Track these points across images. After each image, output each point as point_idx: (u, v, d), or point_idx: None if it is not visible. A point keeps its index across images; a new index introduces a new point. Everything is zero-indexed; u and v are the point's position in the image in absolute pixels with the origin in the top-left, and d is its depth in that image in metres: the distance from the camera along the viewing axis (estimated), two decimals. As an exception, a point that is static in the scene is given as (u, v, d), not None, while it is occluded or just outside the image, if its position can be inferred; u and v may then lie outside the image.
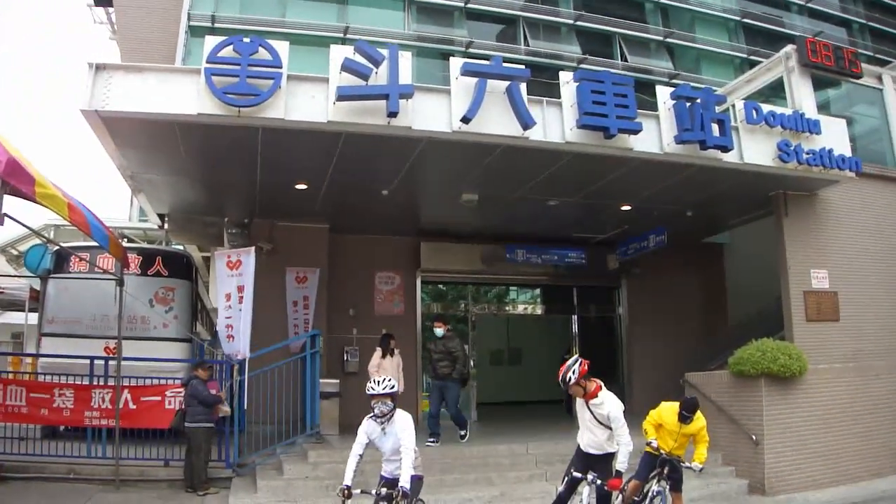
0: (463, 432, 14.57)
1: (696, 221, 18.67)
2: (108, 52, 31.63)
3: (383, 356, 15.32)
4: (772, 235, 16.88)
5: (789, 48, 17.80)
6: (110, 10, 29.48)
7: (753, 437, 13.55)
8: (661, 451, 10.44)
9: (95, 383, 13.14)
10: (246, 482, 12.40)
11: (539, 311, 23.52)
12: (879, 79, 19.23)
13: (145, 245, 22.79)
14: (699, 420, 10.52)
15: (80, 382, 13.05)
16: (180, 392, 12.84)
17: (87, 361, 13.34)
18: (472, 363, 15.84)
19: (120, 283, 12.99)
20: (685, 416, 10.33)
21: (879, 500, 13.07)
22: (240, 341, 13.35)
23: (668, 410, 10.66)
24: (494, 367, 26.98)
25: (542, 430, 16.12)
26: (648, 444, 10.56)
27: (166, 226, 18.45)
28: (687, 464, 10.24)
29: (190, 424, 12.20)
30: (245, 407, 13.15)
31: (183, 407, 12.55)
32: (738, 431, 13.99)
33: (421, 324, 20.10)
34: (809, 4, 35.13)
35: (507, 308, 23.19)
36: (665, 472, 10.40)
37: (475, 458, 13.27)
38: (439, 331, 14.60)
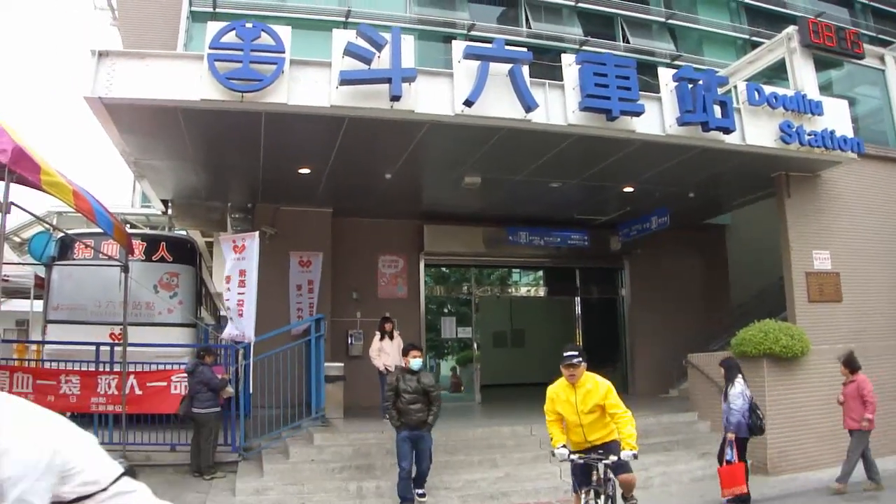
0: (421, 491, 11.22)
1: (699, 203, 18.69)
2: (110, 38, 31.54)
3: (382, 339, 15.41)
4: (774, 216, 16.89)
5: (791, 29, 17.76)
6: (112, -4, 29.45)
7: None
8: (575, 455, 8.53)
9: (101, 370, 13.19)
10: (252, 466, 12.47)
11: (542, 293, 23.63)
12: (882, 59, 19.20)
13: (149, 231, 22.81)
14: (598, 385, 8.41)
15: (85, 369, 13.10)
16: (186, 377, 12.89)
17: (93, 348, 13.40)
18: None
19: (124, 269, 13.02)
20: (570, 364, 8.33)
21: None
22: (245, 325, 13.40)
23: (556, 386, 8.75)
24: (497, 349, 27.14)
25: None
26: (553, 453, 8.72)
27: (170, 211, 18.50)
28: (615, 457, 8.24)
29: (199, 410, 12.26)
30: (250, 391, 13.20)
31: (188, 393, 12.58)
32: (741, 412, 14.04)
33: (424, 307, 20.18)
34: (812, -15, 34.88)
35: (509, 290, 23.28)
36: (601, 477, 8.46)
37: (479, 439, 13.33)
38: (416, 362, 11.14)
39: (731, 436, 11.17)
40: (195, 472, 12.36)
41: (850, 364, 12.57)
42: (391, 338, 15.41)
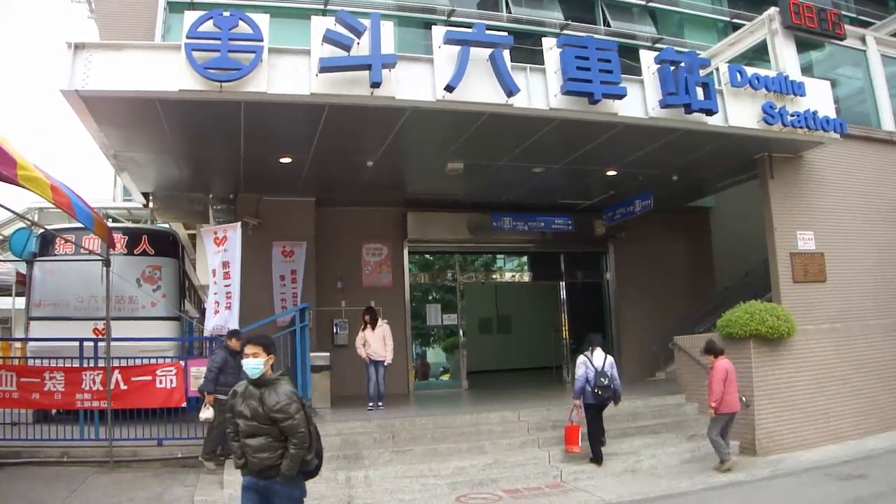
0: None
1: (682, 185, 18.71)
2: (87, 30, 31.33)
3: (364, 329, 15.38)
4: (757, 198, 16.90)
5: (772, 10, 17.76)
6: (88, -13, 29.20)
7: (743, 399, 13.59)
8: None
9: (85, 365, 13.08)
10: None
11: (527, 279, 23.56)
12: (863, 40, 19.23)
13: (130, 224, 22.69)
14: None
15: (70, 365, 12.99)
16: (171, 371, 12.81)
17: (77, 344, 13.27)
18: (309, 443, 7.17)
19: (106, 263, 12.92)
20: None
21: (868, 458, 13.17)
22: (228, 317, 13.31)
23: None
24: (483, 336, 27.09)
25: (533, 398, 16.20)
26: None
27: (151, 204, 18.35)
28: None
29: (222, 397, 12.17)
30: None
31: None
32: (729, 393, 14.07)
33: (409, 294, 20.16)
34: (792, -34, 34.82)
35: (494, 276, 23.24)
36: None
37: (467, 426, 13.30)
38: (252, 365, 6.60)
39: (576, 402, 12.70)
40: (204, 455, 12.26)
41: (710, 350, 12.84)
42: (373, 328, 15.36)
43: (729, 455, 12.44)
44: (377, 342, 15.25)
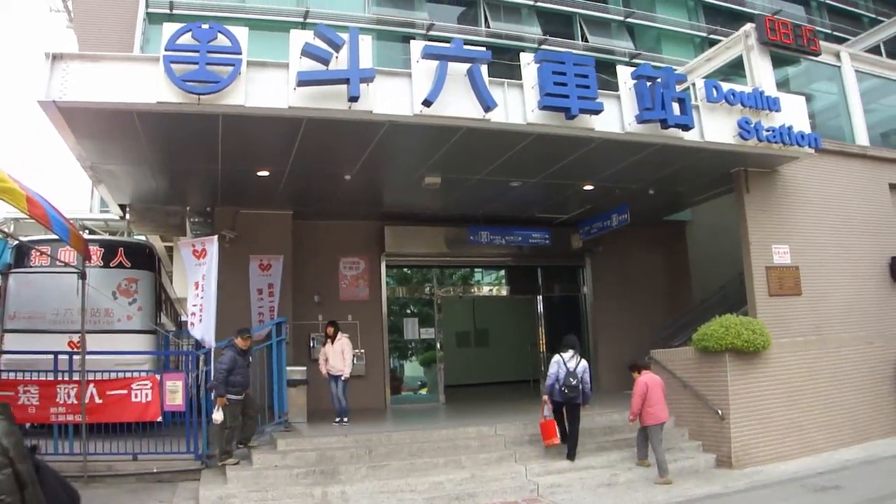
0: None
1: (659, 199, 18.83)
2: (66, 40, 31.21)
3: (325, 343, 15.40)
4: (733, 212, 17.02)
5: (748, 26, 17.94)
6: (68, -3, 29.17)
7: (719, 412, 13.69)
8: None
9: (60, 379, 12.99)
10: (215, 473, 12.33)
11: (504, 293, 23.61)
12: (837, 56, 19.46)
13: (107, 237, 22.57)
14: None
15: (44, 378, 12.89)
16: (146, 385, 12.74)
17: (52, 357, 13.19)
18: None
19: (82, 275, 12.85)
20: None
21: (843, 469, 13.24)
22: (205, 331, 13.27)
23: None
24: (461, 349, 27.07)
25: (510, 412, 16.18)
26: None
27: (128, 216, 18.25)
28: None
29: (234, 397, 12.46)
30: (212, 397, 13.07)
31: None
32: (704, 406, 14.13)
33: (387, 308, 20.11)
34: (768, -17, 35.36)
35: (472, 290, 23.28)
36: None
37: (444, 441, 13.27)
38: None
39: (545, 398, 13.33)
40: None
41: (633, 367, 13.57)
42: (332, 342, 15.35)
43: (667, 469, 12.58)
44: (336, 356, 15.17)
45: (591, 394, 13.66)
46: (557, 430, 13.09)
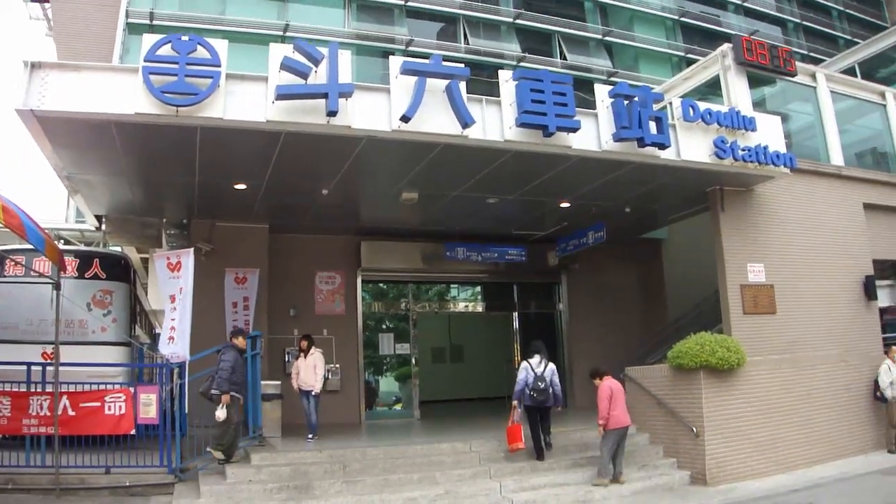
0: None
1: (635, 217, 18.93)
2: (45, 48, 31.09)
3: (297, 357, 15.35)
4: (709, 230, 17.13)
5: (725, 47, 18.11)
6: (47, 5, 29.04)
7: (694, 429, 13.72)
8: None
9: (33, 390, 12.87)
10: (189, 487, 12.24)
11: (480, 309, 23.63)
12: (813, 77, 19.69)
13: (82, 247, 22.43)
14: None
15: (17, 389, 12.75)
16: (120, 397, 12.64)
17: (24, 368, 13.06)
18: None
19: (56, 286, 12.75)
20: None
21: (817, 486, 13.29)
22: (179, 344, 13.19)
23: None
24: (436, 365, 27.04)
25: (486, 428, 16.12)
26: None
27: (104, 227, 18.14)
28: None
29: (217, 392, 12.60)
30: (186, 411, 12.98)
31: (212, 375, 12.89)
32: (679, 424, 14.15)
33: (362, 323, 20.04)
34: (746, 4, 35.92)
35: (448, 306, 23.27)
36: None
37: (419, 456, 13.22)
38: None
39: (514, 403, 13.70)
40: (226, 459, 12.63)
41: (594, 374, 13.79)
42: (305, 356, 15.27)
43: (610, 472, 12.85)
44: (307, 371, 15.06)
45: (561, 396, 14.17)
46: (523, 434, 13.42)
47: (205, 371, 13.39)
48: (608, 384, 13.21)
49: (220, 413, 12.47)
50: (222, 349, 13.19)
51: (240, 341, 13.30)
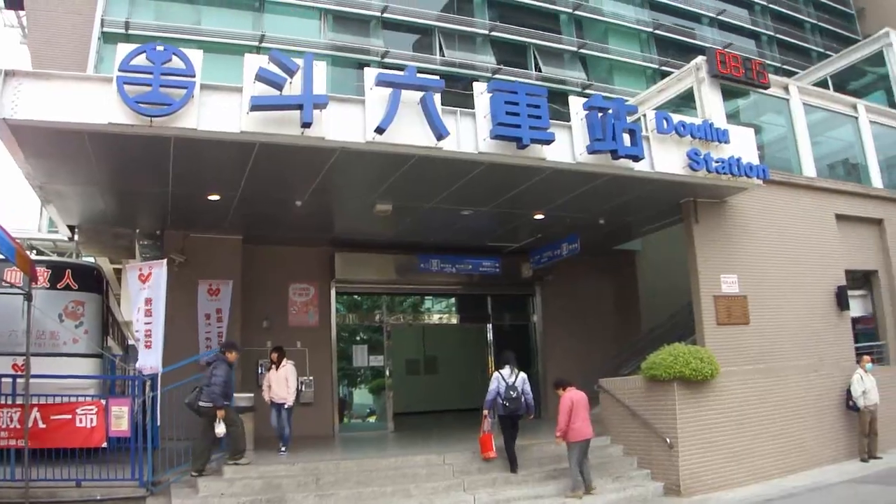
0: None
1: (609, 229, 19.02)
2: (20, 56, 30.84)
3: (269, 369, 15.25)
4: (683, 242, 17.22)
5: (699, 59, 18.25)
6: (22, 13, 28.84)
7: (668, 440, 13.76)
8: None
9: (3, 402, 12.72)
10: (160, 501, 12.14)
11: (454, 320, 23.67)
12: (786, 89, 19.86)
13: (54, 258, 22.24)
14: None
15: (-14, 401, 12.64)
16: (92, 409, 12.53)
17: (-6, 380, 12.93)
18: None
19: (28, 297, 12.62)
20: None
21: (790, 496, 13.36)
22: (152, 356, 13.09)
23: None
24: (410, 377, 27.01)
25: (460, 440, 16.08)
26: None
27: (76, 237, 18.02)
28: None
29: (204, 403, 12.72)
30: (158, 423, 12.88)
31: (199, 384, 13.00)
32: (653, 435, 14.20)
33: (336, 335, 19.96)
34: (720, 17, 36.20)
35: (422, 317, 23.27)
36: None
37: (392, 469, 13.19)
38: None
39: (486, 412, 13.85)
40: (196, 471, 12.61)
41: (558, 384, 13.87)
42: (276, 368, 15.18)
43: (581, 484, 12.88)
44: (279, 384, 14.97)
45: (534, 404, 14.24)
46: (494, 444, 13.72)
47: (178, 383, 13.30)
48: (569, 396, 13.20)
49: (220, 429, 12.55)
50: (214, 363, 13.15)
51: (231, 355, 13.30)
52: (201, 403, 12.66)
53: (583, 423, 13.00)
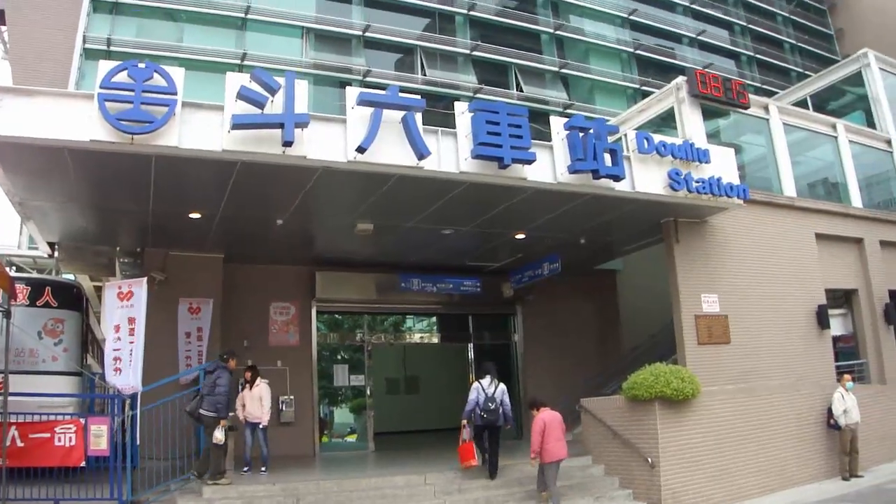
0: None
1: (590, 249, 19.05)
2: (0, 72, 30.72)
3: (243, 388, 15.18)
4: (663, 261, 17.27)
5: (680, 79, 18.37)
6: (3, 28, 28.74)
7: (649, 460, 13.78)
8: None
9: (-21, 421, 12.64)
10: (138, 520, 12.09)
11: (435, 340, 23.69)
12: (766, 109, 19.99)
13: (34, 275, 22.09)
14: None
15: (-37, 420, 12.52)
16: (70, 428, 12.44)
17: (-29, 398, 12.82)
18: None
19: (6, 314, 12.55)
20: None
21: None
22: (131, 375, 13.01)
23: None
24: (391, 396, 26.98)
25: (441, 460, 16.01)
26: None
27: (56, 254, 17.92)
28: None
29: (206, 412, 12.92)
30: (138, 442, 12.80)
31: (200, 393, 13.31)
32: (635, 454, 14.22)
33: (317, 354, 19.91)
34: (700, 37, 36.40)
35: (403, 337, 23.29)
36: None
37: (373, 489, 13.13)
38: None
39: (464, 422, 14.09)
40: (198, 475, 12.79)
41: (532, 404, 13.93)
42: (250, 387, 15.11)
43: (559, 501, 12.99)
44: (253, 403, 14.91)
45: (512, 416, 14.64)
46: (476, 453, 13.84)
47: (157, 402, 13.25)
48: (542, 417, 13.22)
49: (220, 435, 12.70)
50: (215, 371, 13.26)
51: (232, 363, 13.53)
52: (202, 412, 12.72)
53: (556, 443, 13.01)
